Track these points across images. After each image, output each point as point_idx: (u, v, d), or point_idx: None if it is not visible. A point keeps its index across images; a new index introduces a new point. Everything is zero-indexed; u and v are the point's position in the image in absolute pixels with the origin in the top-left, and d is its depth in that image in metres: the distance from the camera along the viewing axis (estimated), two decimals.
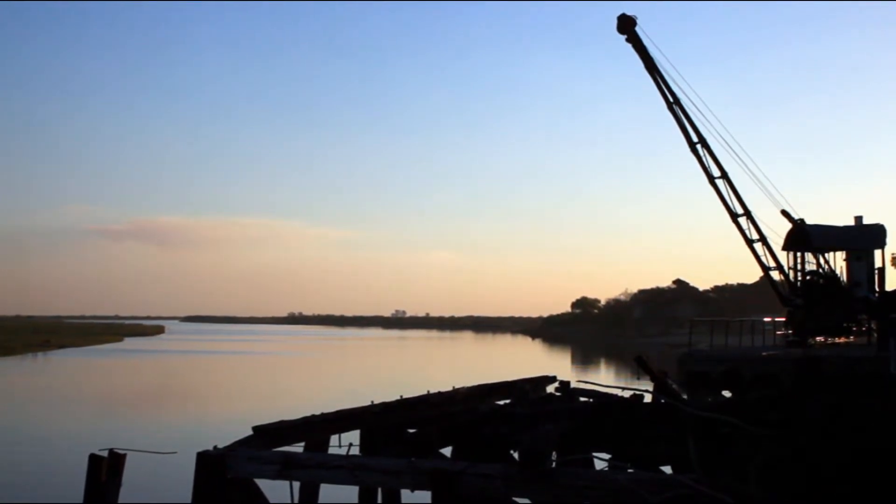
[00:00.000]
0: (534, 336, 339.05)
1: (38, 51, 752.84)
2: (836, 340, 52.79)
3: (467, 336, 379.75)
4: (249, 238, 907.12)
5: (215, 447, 18.74)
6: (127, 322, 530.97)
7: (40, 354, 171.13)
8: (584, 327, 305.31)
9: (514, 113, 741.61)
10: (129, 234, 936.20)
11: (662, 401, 21.59)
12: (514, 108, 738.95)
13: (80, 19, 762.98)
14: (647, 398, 22.11)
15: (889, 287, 52.65)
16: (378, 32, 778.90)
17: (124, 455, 18.32)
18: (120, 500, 18.30)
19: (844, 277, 54.06)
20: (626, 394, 22.22)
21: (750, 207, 54.79)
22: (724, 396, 35.16)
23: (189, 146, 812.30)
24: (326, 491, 21.66)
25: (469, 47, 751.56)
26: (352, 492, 22.56)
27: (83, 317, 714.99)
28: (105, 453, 18.14)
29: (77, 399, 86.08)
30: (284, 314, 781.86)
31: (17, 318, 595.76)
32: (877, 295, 51.64)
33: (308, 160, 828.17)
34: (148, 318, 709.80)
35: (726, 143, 53.87)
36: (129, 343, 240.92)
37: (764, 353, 42.40)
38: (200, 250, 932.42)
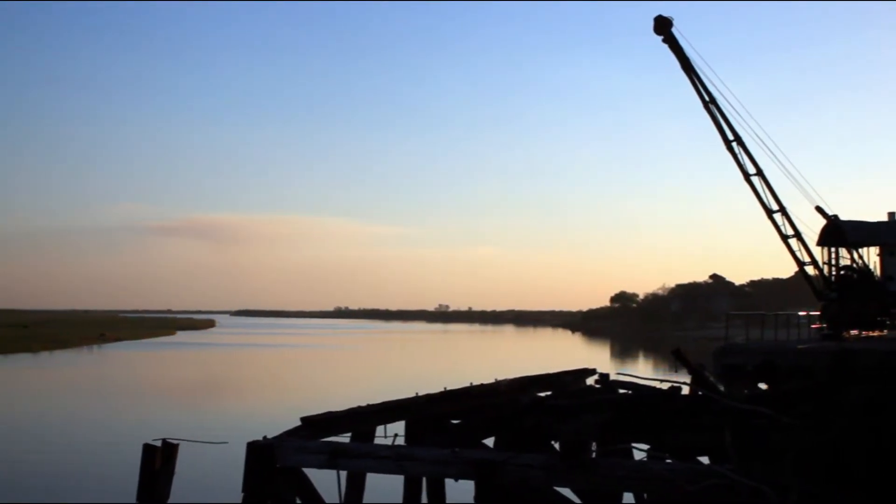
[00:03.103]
0: (574, 330, 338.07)
1: (94, 53, 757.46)
2: (871, 334, 52.42)
3: (509, 330, 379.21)
4: (298, 235, 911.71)
5: (265, 437, 18.79)
6: (179, 316, 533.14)
7: (95, 347, 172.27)
8: (623, 321, 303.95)
9: (555, 112, 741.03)
10: (182, 230, 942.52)
11: (700, 393, 21.51)
12: (554, 108, 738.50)
13: (137, 21, 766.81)
14: (685, 390, 22.02)
15: None
16: (421, 34, 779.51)
17: (177, 445, 18.40)
18: (173, 488, 18.39)
19: (878, 272, 53.71)
20: (664, 386, 22.12)
21: (785, 203, 54.55)
22: (759, 389, 34.99)
23: (241, 146, 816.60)
24: (372, 480, 21.68)
25: (510, 48, 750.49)
26: (397, 481, 22.58)
27: (137, 311, 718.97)
28: (158, 443, 18.22)
29: (131, 390, 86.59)
30: (331, 308, 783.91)
31: (74, 312, 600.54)
32: None
33: (354, 159, 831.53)
34: (199, 312, 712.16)
35: (761, 140, 53.68)
36: (182, 336, 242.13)
37: (799, 347, 42.14)
38: (251, 246, 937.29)
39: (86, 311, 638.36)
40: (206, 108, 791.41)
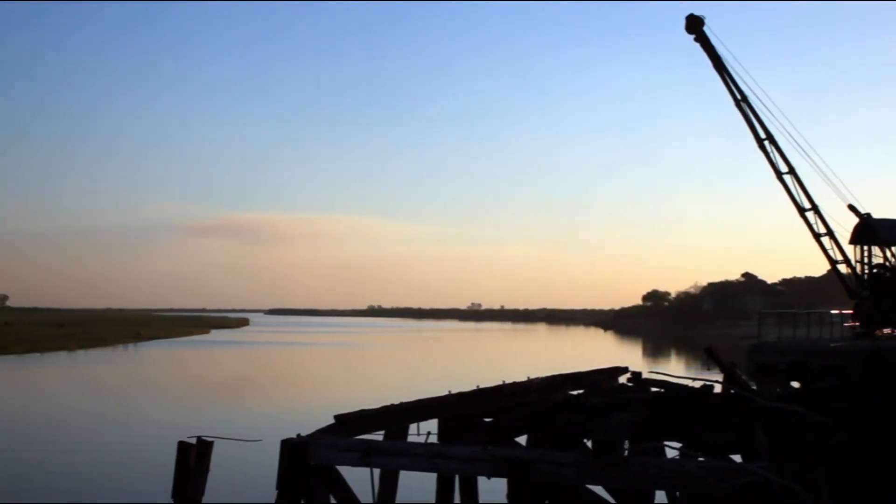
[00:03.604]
0: (606, 328, 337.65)
1: (131, 55, 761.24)
2: None
3: (541, 328, 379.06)
4: (331, 233, 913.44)
5: (298, 435, 18.84)
6: (213, 315, 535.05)
7: (131, 346, 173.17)
8: (655, 319, 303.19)
9: (586, 111, 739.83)
10: (216, 230, 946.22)
11: (732, 391, 21.44)
12: (585, 107, 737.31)
13: (170, 22, 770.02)
14: (717, 389, 21.94)
15: None
16: (453, 33, 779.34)
17: (212, 442, 18.47)
18: (207, 486, 18.47)
19: None
20: (697, 384, 22.06)
21: (817, 202, 54.38)
22: (792, 387, 34.89)
23: (274, 145, 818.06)
24: (405, 477, 21.72)
25: (540, 45, 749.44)
26: (430, 479, 22.59)
27: (172, 310, 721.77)
28: (193, 440, 18.29)
29: (166, 388, 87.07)
30: (364, 307, 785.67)
31: (109, 311, 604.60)
32: None
33: (387, 158, 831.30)
34: (233, 311, 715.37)
35: (792, 138, 53.51)
36: (216, 335, 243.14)
37: (831, 345, 42.00)
38: (284, 246, 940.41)
39: (121, 310, 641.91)
40: (240, 108, 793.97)
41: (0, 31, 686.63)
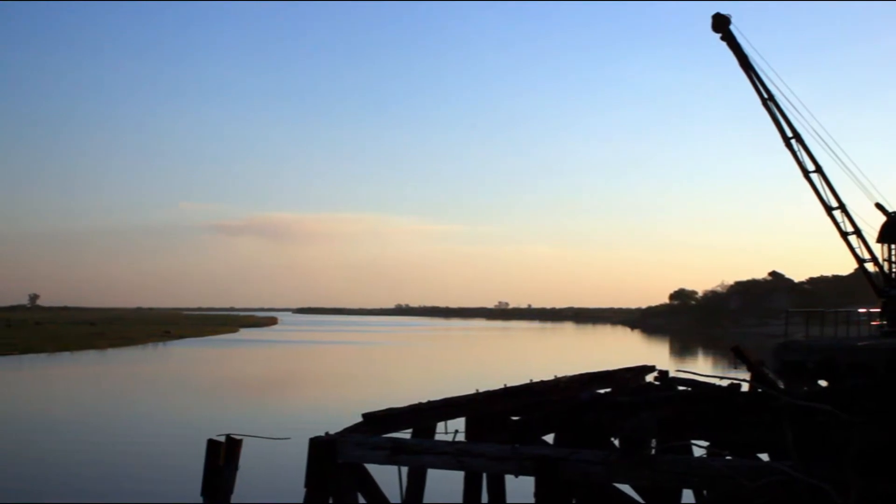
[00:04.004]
0: (633, 327, 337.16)
1: (156, 56, 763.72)
2: None
3: (568, 327, 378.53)
4: (358, 233, 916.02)
5: (327, 433, 18.85)
6: (242, 314, 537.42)
7: (160, 344, 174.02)
8: (682, 318, 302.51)
9: (612, 110, 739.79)
10: (244, 229, 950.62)
11: (759, 390, 21.36)
12: (611, 105, 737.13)
13: (195, 24, 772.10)
14: (745, 387, 21.87)
15: None
16: (477, 33, 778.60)
17: (241, 440, 18.50)
18: (236, 483, 18.51)
19: None
20: (724, 383, 21.99)
21: (844, 200, 54.11)
22: (819, 385, 34.74)
23: (301, 145, 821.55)
24: (433, 476, 21.71)
25: (569, 47, 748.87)
26: (458, 477, 22.60)
27: (200, 309, 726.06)
28: (222, 438, 18.33)
29: (195, 386, 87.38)
30: (392, 306, 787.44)
31: (139, 310, 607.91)
32: None
33: (415, 158, 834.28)
34: (262, 309, 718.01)
35: (819, 136, 53.28)
36: (244, 334, 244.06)
37: (859, 343, 41.77)
38: (312, 245, 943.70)
39: (151, 309, 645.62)
40: (267, 108, 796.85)
41: (37, 34, 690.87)
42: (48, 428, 57.43)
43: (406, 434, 21.21)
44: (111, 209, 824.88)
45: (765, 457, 19.36)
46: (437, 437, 22.20)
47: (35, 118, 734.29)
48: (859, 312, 59.29)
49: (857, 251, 54.45)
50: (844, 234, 54.29)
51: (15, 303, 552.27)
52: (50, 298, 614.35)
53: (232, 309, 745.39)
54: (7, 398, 75.74)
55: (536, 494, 16.97)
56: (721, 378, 22.55)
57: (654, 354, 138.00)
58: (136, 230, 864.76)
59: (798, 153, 53.67)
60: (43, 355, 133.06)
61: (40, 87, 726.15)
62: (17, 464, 45.02)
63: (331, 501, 18.46)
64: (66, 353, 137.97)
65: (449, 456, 17.67)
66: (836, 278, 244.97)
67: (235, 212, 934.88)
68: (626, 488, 18.42)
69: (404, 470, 20.78)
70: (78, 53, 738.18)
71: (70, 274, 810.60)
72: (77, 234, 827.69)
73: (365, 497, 19.36)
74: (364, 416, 20.58)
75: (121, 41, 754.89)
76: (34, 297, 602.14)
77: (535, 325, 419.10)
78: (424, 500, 22.92)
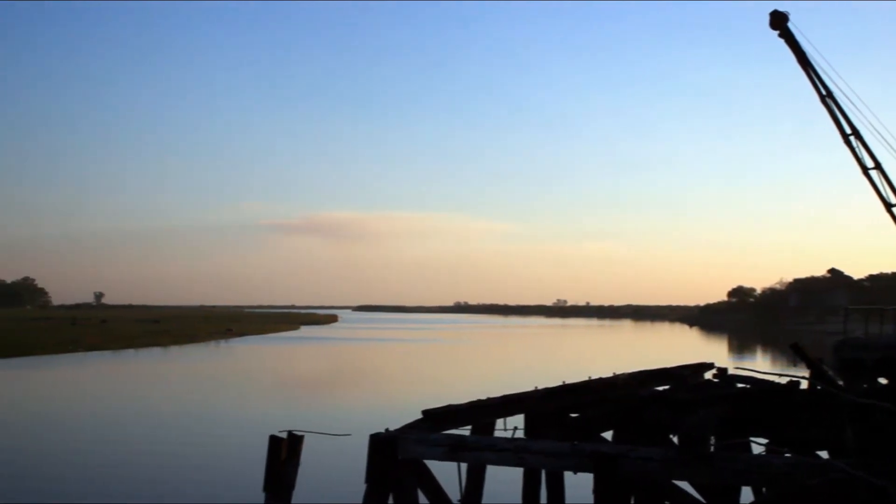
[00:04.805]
0: (691, 324, 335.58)
1: (214, 56, 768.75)
2: None
3: (626, 324, 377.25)
4: (416, 231, 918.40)
5: (387, 430, 18.92)
6: (302, 311, 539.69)
7: (222, 342, 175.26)
8: (740, 316, 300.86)
9: (670, 108, 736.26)
10: (304, 228, 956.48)
11: (818, 387, 21.22)
12: (670, 103, 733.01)
13: (261, 26, 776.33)
14: (804, 385, 21.72)
15: None
16: (540, 33, 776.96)
17: (302, 436, 18.56)
18: (298, 478, 18.61)
19: None
20: (783, 380, 21.85)
21: None
22: (879, 383, 34.40)
23: (359, 145, 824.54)
24: (492, 472, 21.72)
25: (624, 46, 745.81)
26: (517, 473, 22.59)
27: (262, 307, 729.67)
28: (284, 435, 18.43)
29: (256, 384, 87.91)
30: (451, 303, 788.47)
31: (201, 308, 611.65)
32: None
33: (474, 156, 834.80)
34: (322, 307, 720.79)
35: (879, 133, 52.69)
36: (305, 331, 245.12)
37: None
38: (371, 243, 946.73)
39: (213, 307, 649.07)
40: (326, 108, 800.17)
41: (104, 37, 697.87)
42: (111, 425, 58.00)
43: (465, 431, 21.23)
44: (174, 209, 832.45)
45: (824, 454, 19.22)
46: (497, 433, 22.19)
47: (101, 121, 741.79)
48: None
49: None
50: None
51: (81, 301, 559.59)
52: (115, 296, 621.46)
53: (293, 307, 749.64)
54: (71, 395, 76.65)
55: (595, 491, 16.94)
56: (780, 375, 22.41)
57: (713, 352, 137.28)
58: (198, 229, 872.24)
59: (857, 150, 53.16)
60: (108, 353, 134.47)
61: (103, 90, 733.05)
62: (80, 462, 45.50)
63: (391, 498, 18.53)
64: (131, 351, 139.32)
65: (508, 453, 17.67)
66: None
67: (294, 211, 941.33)
68: (684, 485, 18.34)
69: (464, 466, 20.80)
70: (140, 56, 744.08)
71: (134, 272, 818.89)
72: (141, 234, 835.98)
73: (425, 493, 19.40)
74: (424, 412, 20.62)
75: (181, 42, 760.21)
76: (99, 296, 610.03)
77: (594, 322, 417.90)
78: (483, 497, 22.95)
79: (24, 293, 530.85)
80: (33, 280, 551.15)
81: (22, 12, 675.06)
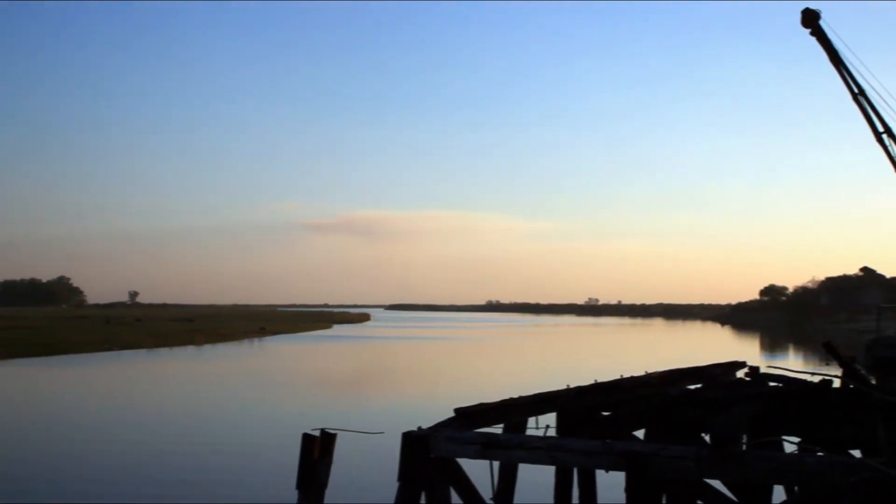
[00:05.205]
0: (723, 323, 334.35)
1: (244, 56, 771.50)
2: None
3: (658, 323, 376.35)
4: (448, 230, 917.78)
5: (419, 428, 18.93)
6: (335, 310, 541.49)
7: (256, 340, 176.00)
8: (772, 314, 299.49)
9: (700, 107, 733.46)
10: (336, 227, 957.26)
11: (851, 386, 21.11)
12: (702, 103, 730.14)
13: (294, 27, 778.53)
14: (836, 383, 21.61)
15: None
16: (568, 31, 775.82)
17: (335, 434, 18.61)
18: (331, 476, 18.65)
19: None
20: (815, 379, 21.74)
21: None
22: None
23: (393, 144, 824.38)
24: (524, 470, 21.70)
25: (656, 45, 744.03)
26: (549, 472, 22.57)
27: (295, 305, 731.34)
28: (317, 433, 18.46)
29: (290, 382, 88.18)
30: (482, 302, 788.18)
31: (235, 307, 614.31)
32: None
33: (505, 155, 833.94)
34: (355, 306, 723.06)
35: None
36: (338, 330, 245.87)
37: None
38: (403, 242, 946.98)
39: (246, 306, 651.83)
40: (359, 108, 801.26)
41: (136, 37, 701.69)
42: (146, 422, 58.29)
43: (497, 429, 21.22)
44: (207, 209, 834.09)
45: (857, 453, 19.12)
46: (529, 432, 22.18)
47: (139, 121, 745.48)
48: None
49: None
50: None
51: (116, 300, 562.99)
52: (149, 295, 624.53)
53: (325, 306, 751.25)
54: (105, 393, 77.07)
55: (627, 489, 16.92)
56: (812, 374, 22.31)
57: (745, 350, 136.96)
58: (231, 228, 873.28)
59: (889, 148, 52.83)
60: (142, 351, 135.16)
61: (145, 90, 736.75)
62: (111, 463, 45.73)
63: (423, 496, 18.55)
64: (165, 349, 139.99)
65: (541, 451, 17.66)
66: None
67: (327, 210, 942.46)
68: (716, 484, 18.29)
69: (496, 464, 20.82)
70: (187, 58, 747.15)
71: (168, 271, 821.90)
72: (175, 233, 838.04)
73: (457, 491, 19.41)
74: (456, 410, 20.62)
75: (225, 45, 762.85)
76: (134, 295, 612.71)
77: (625, 321, 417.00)
78: (516, 496, 22.95)
79: (59, 292, 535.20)
80: (69, 279, 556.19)
81: (75, 11, 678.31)
